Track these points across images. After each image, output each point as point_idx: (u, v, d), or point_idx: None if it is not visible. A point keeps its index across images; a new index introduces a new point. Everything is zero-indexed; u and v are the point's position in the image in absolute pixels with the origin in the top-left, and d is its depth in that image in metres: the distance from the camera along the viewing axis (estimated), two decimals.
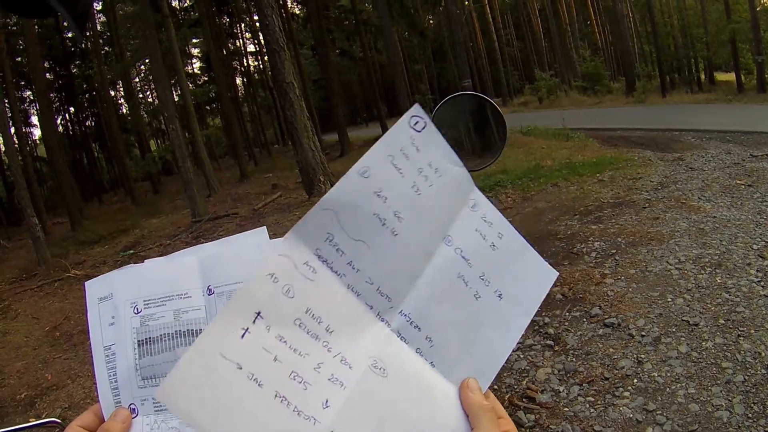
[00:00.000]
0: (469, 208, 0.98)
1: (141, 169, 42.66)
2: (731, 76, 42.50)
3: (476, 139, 2.14)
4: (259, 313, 0.81)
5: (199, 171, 28.50)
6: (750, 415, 4.42)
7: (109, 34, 45.95)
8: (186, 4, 47.90)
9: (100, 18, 43.65)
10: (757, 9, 35.40)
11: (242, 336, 0.80)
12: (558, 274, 1.00)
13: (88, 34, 41.70)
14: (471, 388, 0.90)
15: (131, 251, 15.97)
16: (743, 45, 39.31)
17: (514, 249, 0.99)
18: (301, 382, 0.83)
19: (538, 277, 0.99)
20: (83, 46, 46.71)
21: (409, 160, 0.90)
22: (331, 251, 0.86)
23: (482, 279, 0.95)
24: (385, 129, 24.33)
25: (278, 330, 0.82)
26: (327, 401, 0.85)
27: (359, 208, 0.88)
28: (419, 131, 0.92)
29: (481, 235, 0.97)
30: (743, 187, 11.16)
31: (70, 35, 46.71)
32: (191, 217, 19.28)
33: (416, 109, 0.92)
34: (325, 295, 0.86)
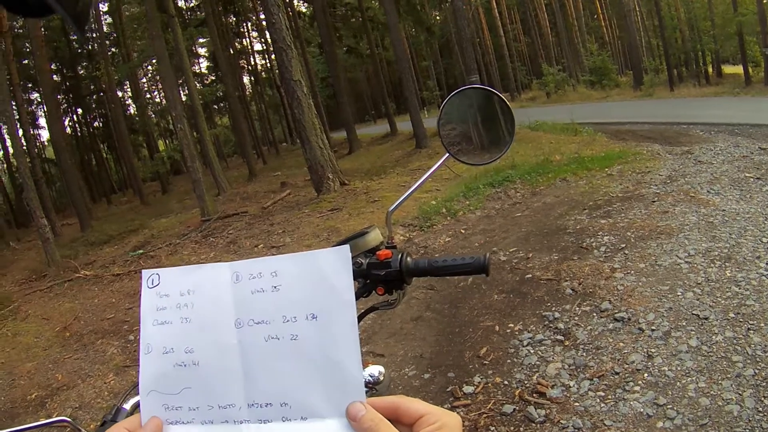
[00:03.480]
0: (232, 284, 1.01)
1: (149, 169, 42.74)
2: (739, 69, 42.50)
3: (484, 134, 2.14)
4: None
5: (208, 170, 28.56)
6: (760, 408, 4.41)
7: (115, 35, 46.13)
8: (192, 4, 47.94)
9: (106, 19, 43.82)
10: (764, 1, 35.33)
11: None
12: (348, 246, 0.98)
13: (94, 34, 41.85)
14: (351, 416, 0.91)
15: (141, 251, 15.99)
16: (750, 38, 39.31)
17: (295, 268, 0.99)
18: None
19: (333, 265, 0.97)
20: (88, 47, 46.81)
21: (166, 309, 1.02)
22: (174, 413, 0.98)
23: (287, 321, 0.96)
24: (393, 126, 24.45)
25: None
26: None
27: (165, 373, 0.99)
28: (158, 283, 1.04)
29: (260, 291, 0.99)
30: (752, 179, 11.15)
31: (75, 37, 46.78)
32: (200, 216, 19.29)
33: (145, 273, 1.06)
34: None
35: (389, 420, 0.90)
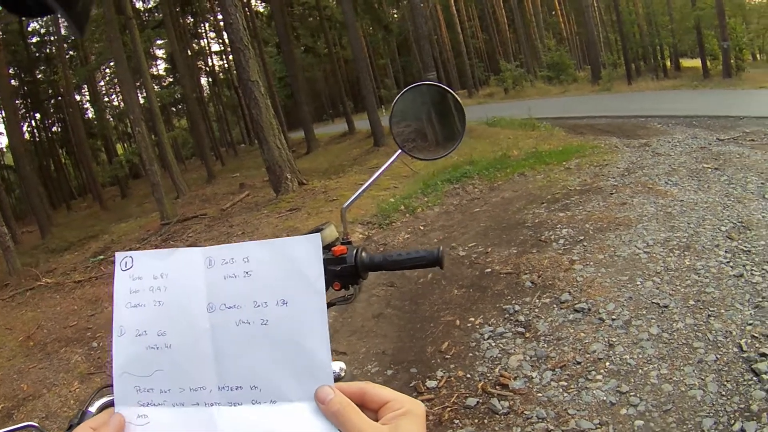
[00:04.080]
0: (205, 269, 1.02)
1: (108, 173, 42.63)
2: (697, 63, 43.05)
3: (435, 128, 2.16)
4: None
5: (167, 173, 28.41)
6: (723, 392, 4.47)
7: (73, 37, 45.70)
8: (150, 6, 47.69)
9: (63, 22, 43.36)
10: None
11: None
12: (319, 234, 1.04)
13: (53, 37, 41.51)
14: (320, 400, 0.92)
15: (101, 257, 15.86)
16: (708, 31, 39.69)
17: (267, 255, 1.00)
18: None
19: (304, 252, 0.98)
20: (46, 51, 46.41)
21: (139, 292, 1.03)
22: (146, 396, 0.99)
23: (258, 306, 0.98)
24: (351, 124, 24.39)
25: None
26: None
27: (137, 355, 1.01)
28: (131, 266, 1.05)
29: (232, 276, 1.00)
30: (710, 170, 11.30)
31: (34, 40, 46.33)
32: (160, 219, 19.17)
33: (118, 256, 1.06)
34: (164, 426, 0.99)
35: (356, 405, 0.92)
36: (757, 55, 59.06)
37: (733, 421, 4.20)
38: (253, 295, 0.98)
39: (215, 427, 0.96)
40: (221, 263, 1.01)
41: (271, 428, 0.94)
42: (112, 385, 1.04)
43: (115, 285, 1.04)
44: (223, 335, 0.98)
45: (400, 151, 2.02)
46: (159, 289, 1.01)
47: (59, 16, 0.71)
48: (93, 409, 1.50)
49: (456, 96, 2.03)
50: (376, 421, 0.91)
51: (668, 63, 51.72)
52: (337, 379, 1.75)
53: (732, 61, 35.88)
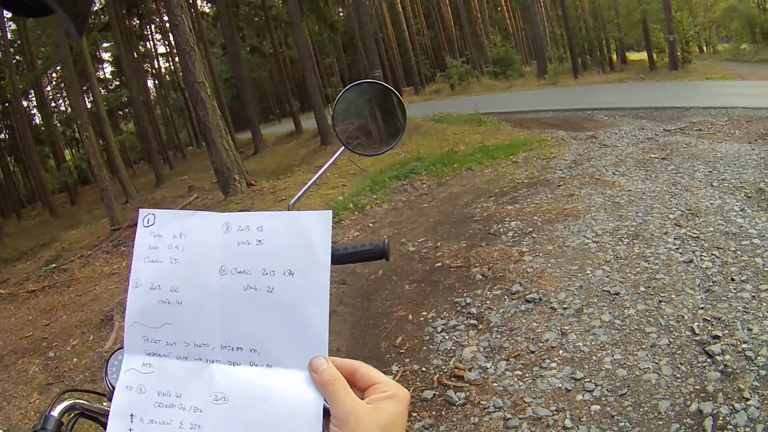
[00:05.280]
0: (222, 233, 1.06)
1: (57, 180, 42.10)
2: (643, 56, 43.45)
3: (382, 125, 2.19)
4: (132, 414, 1.03)
5: (115, 178, 28.19)
6: (678, 375, 4.56)
7: (19, 42, 45.09)
8: (96, 8, 47.13)
9: (10, 26, 42.78)
10: None
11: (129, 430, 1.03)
12: (331, 211, 1.04)
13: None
14: (313, 369, 0.96)
15: (53, 265, 15.68)
16: (655, 25, 40.02)
17: (280, 226, 1.03)
18: None
19: (314, 226, 1.02)
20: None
21: (158, 248, 1.08)
22: (153, 346, 1.06)
23: (266, 274, 1.01)
24: (297, 124, 24.29)
25: (147, 416, 1.03)
26: None
27: (149, 307, 1.06)
28: (153, 223, 1.10)
29: (245, 243, 1.04)
30: (657, 160, 11.45)
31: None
32: (110, 225, 19.03)
33: (142, 212, 1.11)
34: (166, 376, 1.05)
35: (347, 381, 0.95)
36: (704, 47, 59.82)
37: (689, 402, 4.28)
38: (263, 263, 1.02)
39: (213, 383, 1.01)
40: (237, 229, 1.05)
41: (264, 390, 0.98)
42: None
43: (136, 239, 1.08)
44: (231, 298, 1.02)
45: (343, 147, 2.04)
46: (177, 248, 1.06)
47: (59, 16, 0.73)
48: (55, 413, 1.52)
49: (396, 92, 2.06)
50: (362, 399, 0.94)
51: (614, 57, 52.15)
52: None
53: (678, 53, 36.24)
